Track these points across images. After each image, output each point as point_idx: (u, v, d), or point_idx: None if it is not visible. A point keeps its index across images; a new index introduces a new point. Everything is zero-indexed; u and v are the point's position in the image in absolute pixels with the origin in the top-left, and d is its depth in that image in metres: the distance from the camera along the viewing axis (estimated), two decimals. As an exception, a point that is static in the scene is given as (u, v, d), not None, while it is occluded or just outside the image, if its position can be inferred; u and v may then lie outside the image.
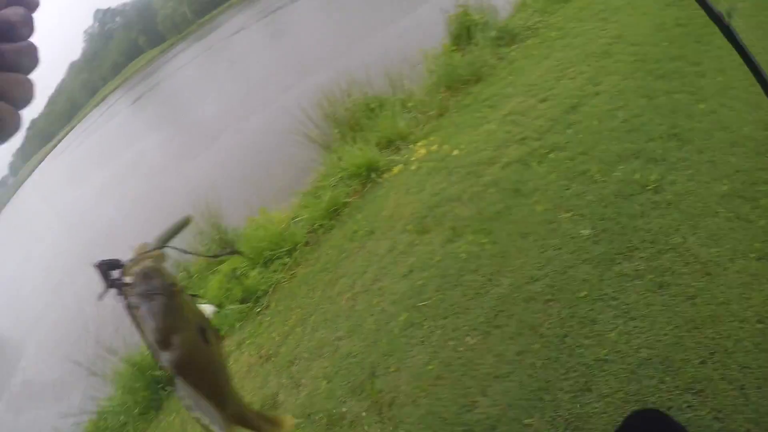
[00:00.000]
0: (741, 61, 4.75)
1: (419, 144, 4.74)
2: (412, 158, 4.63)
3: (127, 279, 0.71)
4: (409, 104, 5.37)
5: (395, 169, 4.73)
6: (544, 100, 4.32)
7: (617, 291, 2.47)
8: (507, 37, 5.96)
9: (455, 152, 4.18)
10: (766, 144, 3.00)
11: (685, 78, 3.97)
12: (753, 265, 2.29)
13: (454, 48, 5.98)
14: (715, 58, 4.07)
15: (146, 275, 0.71)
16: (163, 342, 0.69)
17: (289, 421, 0.95)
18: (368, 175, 4.88)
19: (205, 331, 0.77)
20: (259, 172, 8.68)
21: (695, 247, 2.49)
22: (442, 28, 7.28)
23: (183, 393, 0.71)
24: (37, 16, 0.40)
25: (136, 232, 7.15)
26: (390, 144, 5.15)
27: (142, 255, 0.76)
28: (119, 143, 22.24)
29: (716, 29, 4.88)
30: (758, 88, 3.97)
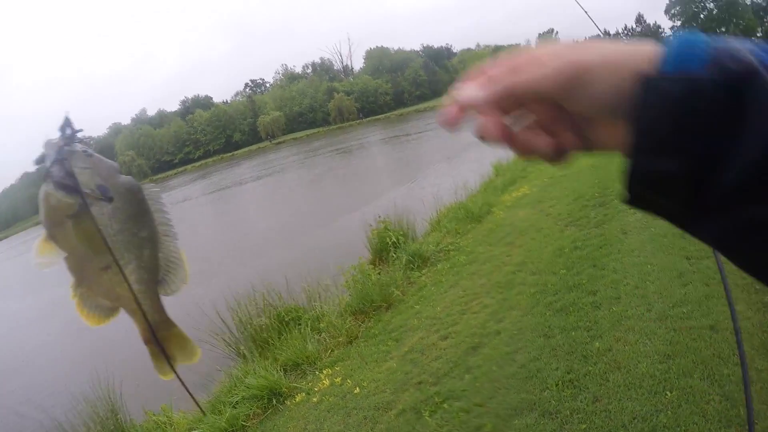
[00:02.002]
0: (635, 285, 4.94)
1: (324, 372, 4.57)
2: (315, 388, 4.40)
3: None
4: (321, 325, 5.27)
5: (298, 397, 4.52)
6: (445, 338, 4.30)
7: None
8: (419, 260, 6.24)
9: (356, 390, 3.97)
10: (663, 381, 2.96)
11: (581, 311, 4.06)
12: None
13: (372, 264, 6.17)
14: (610, 285, 4.26)
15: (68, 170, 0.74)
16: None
17: None
18: (270, 399, 4.67)
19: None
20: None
21: None
22: (364, 239, 7.66)
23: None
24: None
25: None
26: (296, 367, 4.97)
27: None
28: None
29: (611, 250, 5.20)
30: (652, 314, 4.02)
